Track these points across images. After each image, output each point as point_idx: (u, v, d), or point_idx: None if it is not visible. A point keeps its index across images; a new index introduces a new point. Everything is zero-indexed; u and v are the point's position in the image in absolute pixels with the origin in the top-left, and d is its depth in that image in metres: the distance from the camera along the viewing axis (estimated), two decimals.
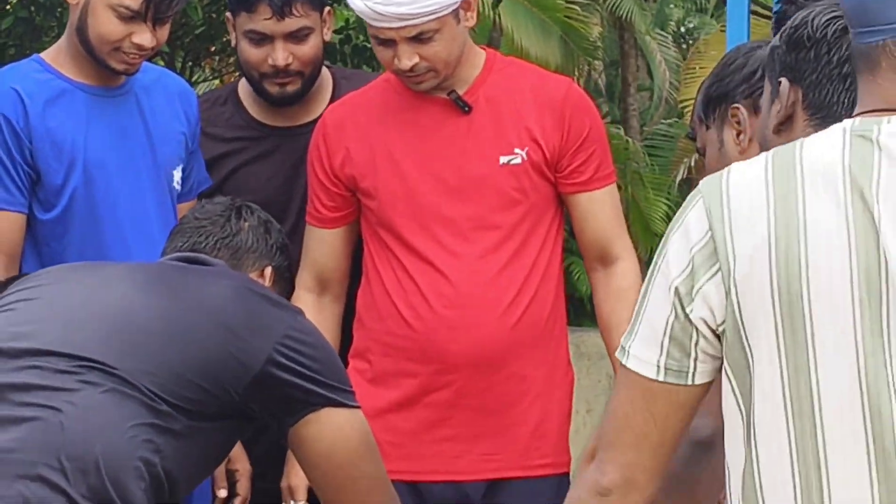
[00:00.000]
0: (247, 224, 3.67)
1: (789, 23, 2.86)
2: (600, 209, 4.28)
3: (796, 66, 2.85)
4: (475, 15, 4.01)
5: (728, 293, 2.32)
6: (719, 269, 2.33)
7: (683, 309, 2.36)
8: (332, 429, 3.40)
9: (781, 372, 2.31)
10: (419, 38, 3.94)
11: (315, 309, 4.13)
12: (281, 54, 4.34)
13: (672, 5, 16.73)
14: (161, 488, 3.17)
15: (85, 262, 3.98)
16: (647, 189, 13.49)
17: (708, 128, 3.34)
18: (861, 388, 2.27)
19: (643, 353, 2.38)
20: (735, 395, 2.35)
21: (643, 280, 2.55)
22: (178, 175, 4.40)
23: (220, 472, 4.20)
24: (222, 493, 4.29)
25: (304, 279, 4.28)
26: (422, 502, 4.18)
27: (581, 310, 4.78)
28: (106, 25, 4.18)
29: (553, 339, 4.27)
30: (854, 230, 2.24)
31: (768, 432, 2.34)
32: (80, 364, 3.20)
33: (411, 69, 3.95)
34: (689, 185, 14.26)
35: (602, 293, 4.30)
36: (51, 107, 4.28)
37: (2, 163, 4.20)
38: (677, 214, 2.30)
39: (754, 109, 3.25)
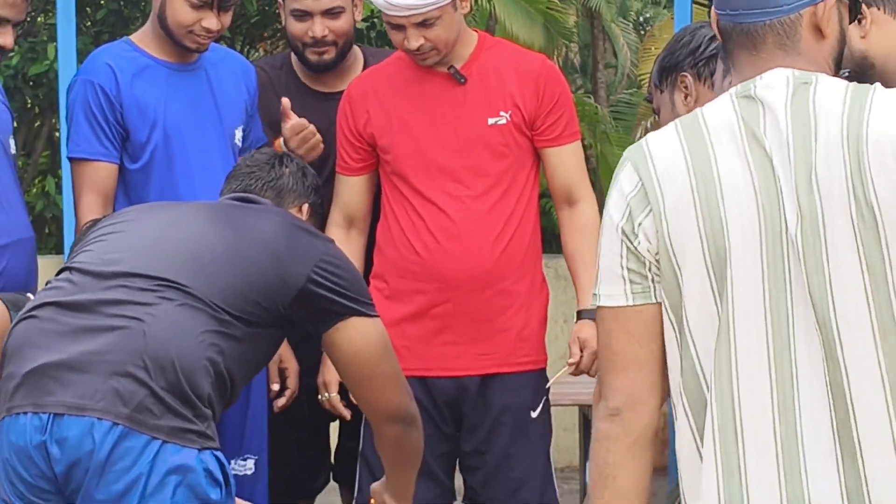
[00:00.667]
0: (287, 170, 3.61)
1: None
2: (567, 160, 4.18)
3: None
4: (469, 4, 4.03)
5: (660, 226, 2.26)
6: (651, 209, 2.26)
7: (631, 243, 2.28)
8: (357, 333, 3.29)
9: (712, 289, 2.25)
10: (424, 24, 3.91)
11: (344, 240, 4.07)
12: (319, 27, 4.26)
13: None
14: (223, 382, 3.11)
15: (162, 202, 3.97)
16: (613, 146, 13.50)
17: (662, 92, 3.30)
18: (766, 322, 2.24)
19: (610, 290, 2.31)
20: (668, 311, 2.28)
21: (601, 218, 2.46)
22: (238, 134, 4.28)
23: (273, 370, 4.19)
24: (275, 387, 4.25)
25: (334, 217, 4.22)
26: (429, 394, 4.10)
27: (558, 241, 4.62)
28: (181, 13, 4.12)
29: (531, 262, 4.17)
30: (757, 178, 2.22)
31: (699, 337, 2.27)
32: (158, 283, 3.13)
33: (418, 49, 3.94)
34: None
35: (567, 228, 4.21)
36: (137, 79, 4.18)
37: (99, 124, 4.15)
38: (612, 180, 2.31)
39: (698, 77, 3.22)
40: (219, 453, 2.99)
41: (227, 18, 4.12)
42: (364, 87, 4.13)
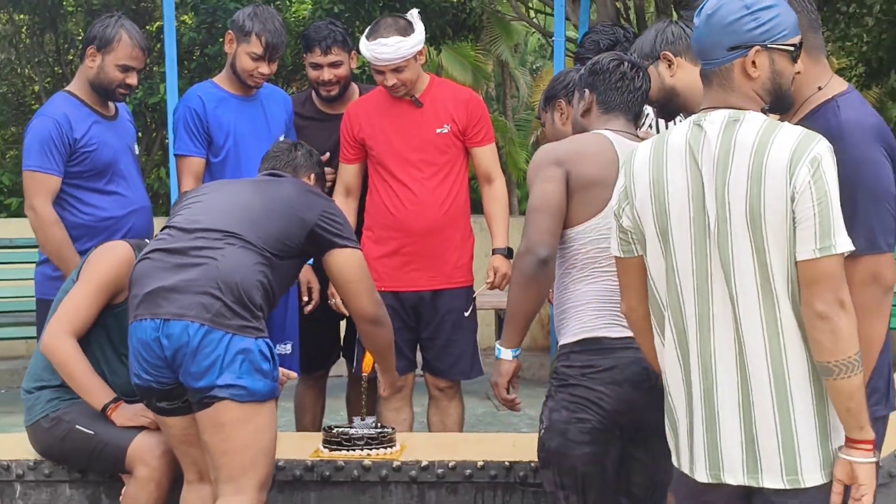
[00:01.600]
0: (300, 153, 3.54)
1: (590, 63, 2.95)
2: (486, 155, 4.27)
3: (593, 83, 2.92)
4: (424, 57, 4.18)
5: (632, 211, 2.32)
6: (629, 200, 2.33)
7: (619, 221, 2.38)
8: (344, 259, 3.22)
9: (663, 254, 2.27)
10: (397, 70, 4.08)
11: (343, 203, 4.23)
12: (326, 74, 4.40)
13: (529, 54, 16.26)
14: (268, 295, 3.10)
15: (223, 180, 3.99)
16: (516, 147, 13.21)
17: (546, 112, 3.30)
18: (694, 279, 2.23)
19: (613, 248, 2.42)
20: (644, 258, 2.33)
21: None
22: (281, 139, 4.21)
23: (303, 286, 4.29)
24: (305, 299, 4.32)
25: (338, 188, 4.32)
26: (399, 302, 4.21)
27: (481, 207, 4.63)
28: (245, 63, 4.26)
29: (464, 219, 4.28)
30: (691, 184, 2.23)
31: (657, 276, 2.29)
32: (224, 234, 3.07)
33: (392, 86, 4.12)
34: (536, 144, 13.85)
35: (486, 198, 4.32)
36: (217, 105, 4.29)
37: (192, 132, 4.26)
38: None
39: (569, 102, 3.18)
40: (268, 340, 3.07)
41: (274, 66, 4.42)
42: (358, 108, 4.35)
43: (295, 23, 9.49)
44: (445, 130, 4.19)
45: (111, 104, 4.18)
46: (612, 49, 4.46)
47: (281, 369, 3.34)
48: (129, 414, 3.32)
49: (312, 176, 3.55)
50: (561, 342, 2.83)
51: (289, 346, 4.38)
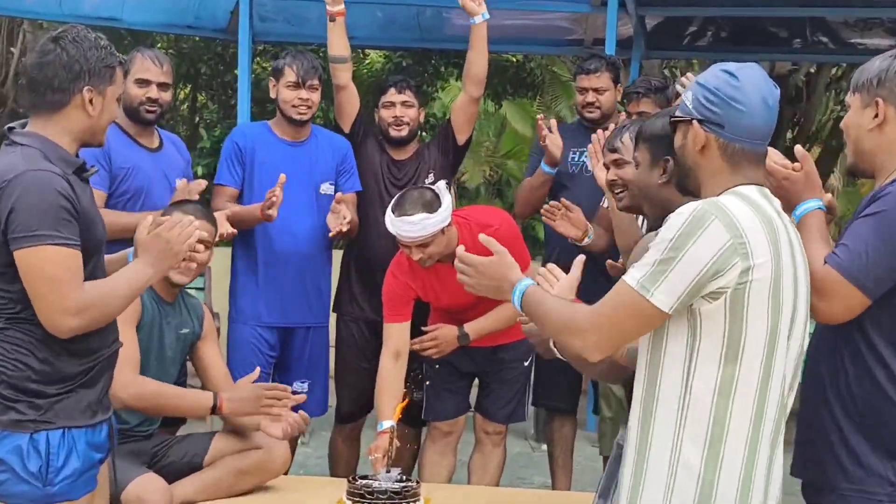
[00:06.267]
0: None
1: (669, 122, 2.43)
2: None
3: (674, 152, 2.42)
4: (451, 227, 3.79)
5: (747, 270, 2.05)
6: (738, 262, 2.05)
7: (706, 279, 2.03)
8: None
9: (766, 322, 2.08)
10: (422, 244, 3.79)
11: (392, 368, 3.78)
12: (398, 110, 4.31)
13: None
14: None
15: None
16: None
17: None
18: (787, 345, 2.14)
19: (664, 301, 2.04)
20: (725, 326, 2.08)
21: None
22: (325, 186, 4.28)
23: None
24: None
25: (387, 351, 3.83)
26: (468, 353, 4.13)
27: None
28: (285, 96, 4.26)
29: None
30: (793, 262, 2.14)
31: (754, 335, 2.07)
32: None
33: (418, 259, 3.83)
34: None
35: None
36: (261, 145, 4.24)
37: (233, 164, 4.24)
38: (691, 225, 2.04)
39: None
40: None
41: (315, 95, 4.34)
42: (400, 269, 3.94)
43: (368, 74, 9.51)
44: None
45: (155, 135, 4.09)
46: (664, 90, 4.39)
47: (293, 413, 3.28)
48: (238, 398, 3.23)
49: None
50: None
51: (306, 385, 4.33)
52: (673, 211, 2.27)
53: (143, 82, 3.94)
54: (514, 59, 9.77)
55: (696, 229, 2.02)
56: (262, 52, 9.38)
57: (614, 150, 3.22)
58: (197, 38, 9.64)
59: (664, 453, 2.08)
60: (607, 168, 3.26)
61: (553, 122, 4.39)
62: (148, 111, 3.97)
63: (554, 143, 4.31)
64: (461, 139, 4.46)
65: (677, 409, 2.06)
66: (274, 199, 4.01)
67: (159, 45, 10.17)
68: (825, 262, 2.28)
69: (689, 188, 2.24)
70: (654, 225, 2.60)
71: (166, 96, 4.02)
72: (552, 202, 4.22)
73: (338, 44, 4.32)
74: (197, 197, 3.91)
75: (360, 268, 4.46)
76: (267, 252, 4.28)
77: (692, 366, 2.06)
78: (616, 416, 4.15)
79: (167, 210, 3.51)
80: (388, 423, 3.64)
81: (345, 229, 4.15)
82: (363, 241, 4.42)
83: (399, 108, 4.37)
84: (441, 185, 3.85)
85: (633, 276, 2.07)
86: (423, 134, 6.24)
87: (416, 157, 4.50)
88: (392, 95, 4.40)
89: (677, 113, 2.23)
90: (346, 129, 4.49)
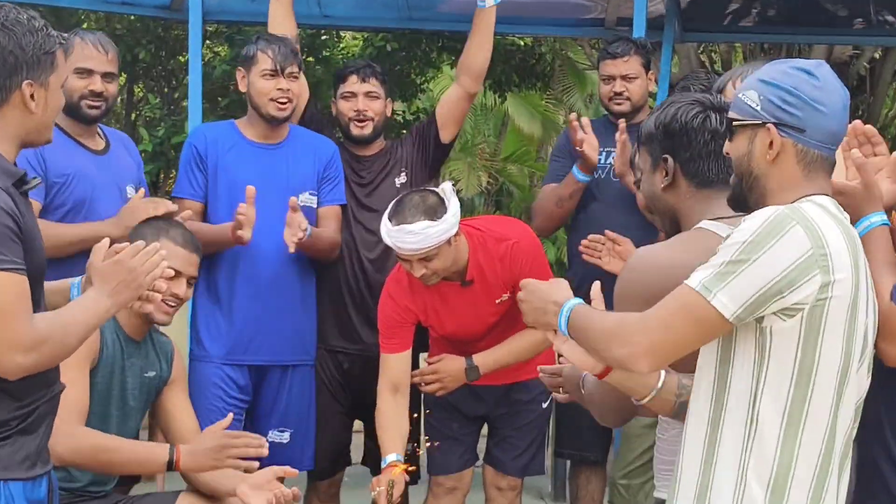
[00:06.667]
0: None
1: (660, 117, 2.58)
2: None
3: (673, 148, 2.54)
4: (460, 238, 3.91)
5: (828, 285, 2.16)
6: (818, 275, 2.16)
7: (780, 293, 2.13)
8: None
9: (841, 346, 2.19)
10: (425, 259, 3.85)
11: (392, 404, 3.93)
12: (361, 103, 4.38)
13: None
14: None
15: None
16: None
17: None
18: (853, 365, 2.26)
19: (729, 306, 2.15)
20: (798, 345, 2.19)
21: None
22: (305, 196, 4.28)
23: None
24: None
25: (384, 385, 3.97)
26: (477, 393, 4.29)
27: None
28: (260, 87, 4.26)
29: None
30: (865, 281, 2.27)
31: (829, 356, 2.19)
32: None
33: (421, 276, 3.90)
34: None
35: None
36: (227, 150, 4.26)
37: (193, 173, 4.28)
38: (769, 228, 2.15)
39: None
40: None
41: (296, 85, 4.35)
42: (397, 289, 4.05)
43: (343, 60, 9.58)
44: (504, 298, 4.00)
45: (98, 135, 4.13)
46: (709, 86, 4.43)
47: (276, 467, 3.31)
48: (199, 451, 3.27)
49: None
50: None
51: (286, 435, 4.34)
52: (682, 220, 2.45)
53: (84, 72, 3.96)
54: (523, 43, 9.61)
55: (775, 233, 2.13)
56: (214, 34, 9.31)
57: None
58: (133, 18, 9.74)
59: (728, 487, 2.16)
60: (638, 186, 3.40)
61: (586, 120, 4.45)
62: (91, 106, 3.99)
63: (591, 145, 4.36)
64: (446, 137, 4.50)
65: (742, 440, 2.16)
66: (242, 218, 3.99)
67: (85, 24, 10.29)
68: (892, 298, 2.36)
69: (748, 202, 2.30)
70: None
71: (112, 88, 4.06)
72: (593, 236, 4.24)
73: (281, 21, 4.39)
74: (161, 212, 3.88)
75: (326, 294, 4.44)
76: (232, 276, 4.27)
77: (759, 392, 2.16)
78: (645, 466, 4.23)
79: (137, 230, 3.53)
80: (393, 456, 3.69)
81: (301, 235, 4.08)
82: (313, 264, 4.45)
83: (362, 101, 4.37)
84: (447, 188, 3.85)
85: (694, 278, 2.17)
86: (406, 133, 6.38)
87: (385, 153, 4.54)
88: (353, 84, 4.40)
89: (737, 115, 2.28)
90: (294, 122, 4.47)
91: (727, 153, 2.35)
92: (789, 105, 2.25)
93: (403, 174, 4.44)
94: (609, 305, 2.45)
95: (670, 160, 2.53)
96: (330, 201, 4.38)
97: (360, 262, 4.39)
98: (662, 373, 2.35)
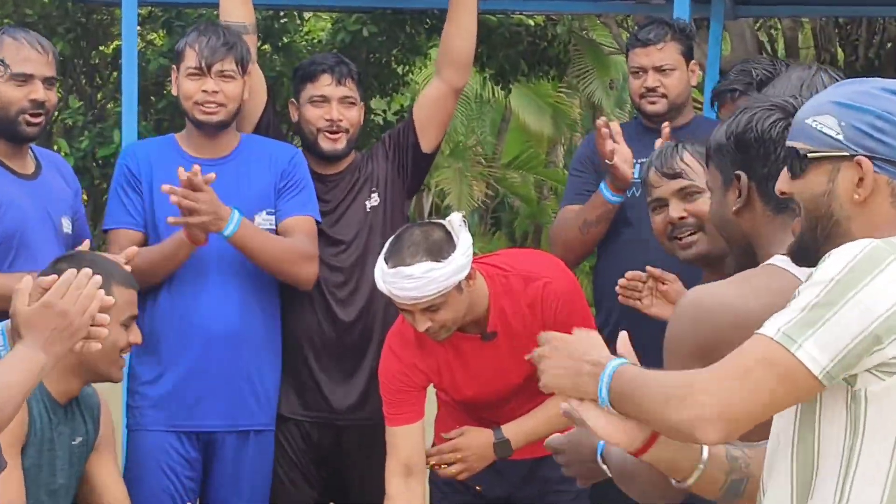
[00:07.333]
0: None
1: (732, 126, 2.57)
2: None
3: (748, 163, 2.53)
4: (476, 282, 3.84)
5: None
6: None
7: (875, 346, 2.06)
8: None
9: None
10: (430, 309, 3.74)
11: (404, 488, 3.88)
12: (335, 112, 4.32)
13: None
14: None
15: None
16: None
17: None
18: None
19: (820, 359, 2.07)
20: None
21: None
22: (260, 216, 4.26)
23: None
24: None
25: (394, 468, 3.91)
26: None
27: None
28: (185, 89, 4.26)
29: None
30: None
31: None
32: None
33: (426, 330, 3.79)
34: None
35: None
36: (166, 168, 4.20)
37: (127, 199, 4.27)
38: (862, 262, 2.07)
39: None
40: None
41: (231, 86, 4.28)
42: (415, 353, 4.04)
43: (307, 48, 9.55)
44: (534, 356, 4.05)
45: (29, 156, 4.13)
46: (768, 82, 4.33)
47: None
48: None
49: None
50: None
51: None
52: (758, 251, 2.41)
53: (22, 78, 3.95)
54: (532, 23, 9.48)
55: (871, 269, 2.07)
56: (148, 19, 9.25)
57: (677, 175, 3.25)
58: (47, 1, 9.73)
59: None
60: (664, 204, 3.32)
61: (616, 125, 4.31)
62: (30, 123, 4.00)
63: (623, 157, 4.20)
64: (427, 145, 4.45)
65: None
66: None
67: None
68: None
69: (818, 255, 2.20)
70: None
71: (54, 97, 4.10)
72: (631, 273, 3.99)
73: (233, 6, 4.35)
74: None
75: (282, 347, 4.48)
76: (172, 324, 4.25)
77: (851, 472, 2.09)
78: None
79: (54, 266, 3.48)
80: None
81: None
82: (280, 306, 4.47)
83: (336, 108, 4.34)
84: (455, 220, 3.75)
85: (771, 325, 2.10)
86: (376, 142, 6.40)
87: (353, 170, 4.51)
88: (326, 87, 4.36)
89: (809, 146, 2.21)
90: (247, 131, 4.49)
91: (783, 192, 2.28)
92: (882, 133, 2.18)
93: (375, 195, 4.39)
94: (647, 362, 2.35)
95: (744, 177, 2.53)
96: (289, 213, 4.32)
97: (327, 307, 4.32)
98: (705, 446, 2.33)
